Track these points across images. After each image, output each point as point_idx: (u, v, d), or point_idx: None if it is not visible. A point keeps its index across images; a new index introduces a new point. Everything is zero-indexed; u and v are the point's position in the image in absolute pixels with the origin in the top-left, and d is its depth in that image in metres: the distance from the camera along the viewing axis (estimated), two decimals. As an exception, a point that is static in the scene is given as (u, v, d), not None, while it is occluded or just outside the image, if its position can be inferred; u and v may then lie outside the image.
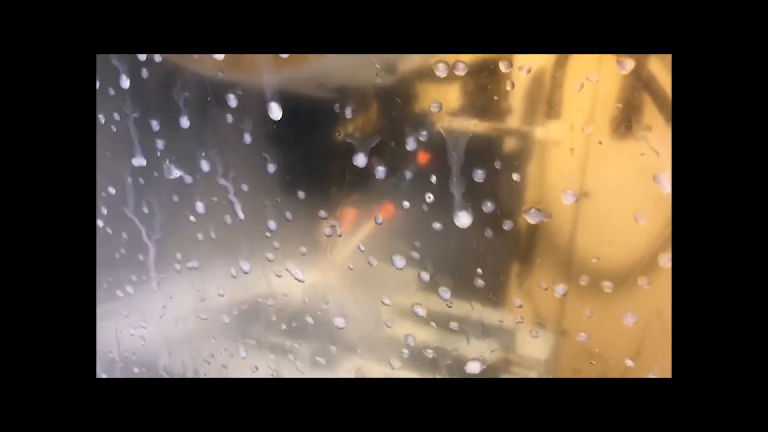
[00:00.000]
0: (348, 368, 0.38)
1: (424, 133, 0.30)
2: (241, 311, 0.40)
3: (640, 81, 0.25)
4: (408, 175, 0.31)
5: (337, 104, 0.32)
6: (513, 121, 0.28)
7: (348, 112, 0.32)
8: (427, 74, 0.29)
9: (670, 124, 0.25)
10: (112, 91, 0.38)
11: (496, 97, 0.28)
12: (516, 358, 0.33)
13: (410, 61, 0.29)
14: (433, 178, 0.31)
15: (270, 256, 0.37)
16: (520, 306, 0.31)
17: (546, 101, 0.27)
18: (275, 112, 0.33)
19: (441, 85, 0.29)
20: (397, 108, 0.30)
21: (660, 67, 0.25)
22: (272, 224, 0.36)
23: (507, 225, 0.30)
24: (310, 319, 0.38)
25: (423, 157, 0.31)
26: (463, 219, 0.31)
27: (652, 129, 0.26)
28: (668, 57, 0.25)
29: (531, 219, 0.29)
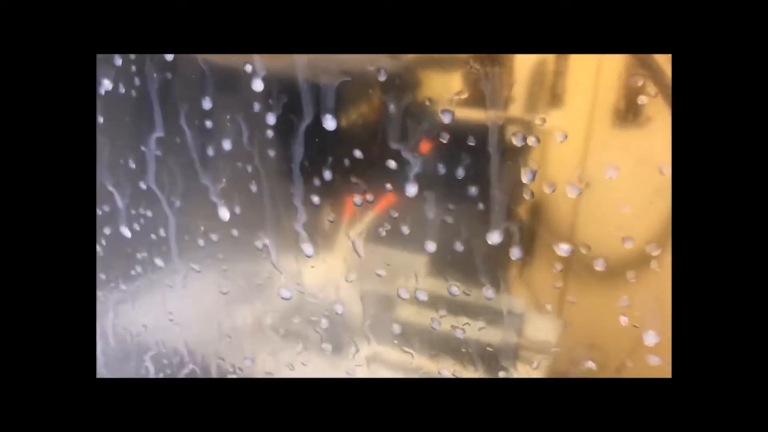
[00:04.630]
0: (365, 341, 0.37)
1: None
2: (265, 281, 0.39)
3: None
4: (444, 137, 0.30)
5: (371, 66, 0.31)
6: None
7: (382, 74, 0.31)
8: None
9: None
10: (132, 57, 0.37)
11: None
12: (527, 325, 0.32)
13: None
14: (471, 140, 0.30)
15: (297, 227, 0.36)
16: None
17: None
18: (329, 122, 0.33)
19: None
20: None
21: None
22: (299, 193, 0.36)
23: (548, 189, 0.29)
24: (337, 291, 0.37)
25: (425, 146, 0.31)
26: (494, 237, 0.31)
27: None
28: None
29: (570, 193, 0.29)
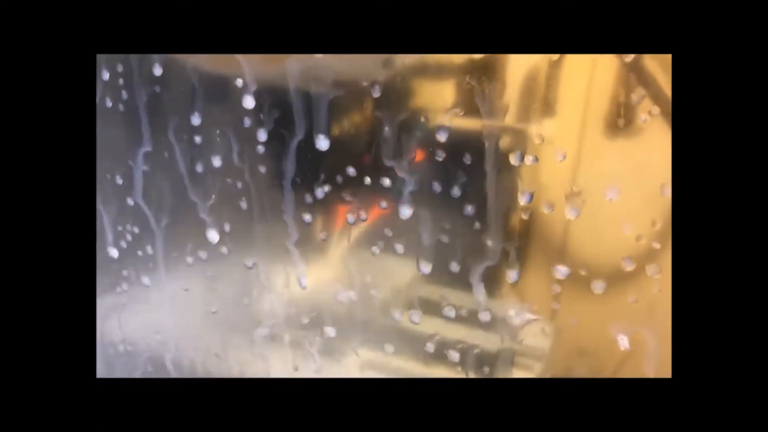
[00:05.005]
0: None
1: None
2: (255, 300, 0.38)
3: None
4: (440, 155, 0.30)
5: (364, 81, 0.30)
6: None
7: (376, 90, 0.30)
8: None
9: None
10: (120, 68, 0.36)
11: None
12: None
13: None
14: (468, 158, 0.29)
15: (288, 244, 0.35)
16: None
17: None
18: (323, 142, 0.32)
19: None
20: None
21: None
22: (290, 209, 0.35)
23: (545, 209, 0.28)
24: (329, 311, 0.36)
25: (418, 157, 0.30)
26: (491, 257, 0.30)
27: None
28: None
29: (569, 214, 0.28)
